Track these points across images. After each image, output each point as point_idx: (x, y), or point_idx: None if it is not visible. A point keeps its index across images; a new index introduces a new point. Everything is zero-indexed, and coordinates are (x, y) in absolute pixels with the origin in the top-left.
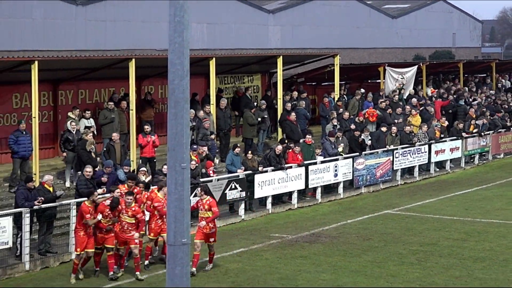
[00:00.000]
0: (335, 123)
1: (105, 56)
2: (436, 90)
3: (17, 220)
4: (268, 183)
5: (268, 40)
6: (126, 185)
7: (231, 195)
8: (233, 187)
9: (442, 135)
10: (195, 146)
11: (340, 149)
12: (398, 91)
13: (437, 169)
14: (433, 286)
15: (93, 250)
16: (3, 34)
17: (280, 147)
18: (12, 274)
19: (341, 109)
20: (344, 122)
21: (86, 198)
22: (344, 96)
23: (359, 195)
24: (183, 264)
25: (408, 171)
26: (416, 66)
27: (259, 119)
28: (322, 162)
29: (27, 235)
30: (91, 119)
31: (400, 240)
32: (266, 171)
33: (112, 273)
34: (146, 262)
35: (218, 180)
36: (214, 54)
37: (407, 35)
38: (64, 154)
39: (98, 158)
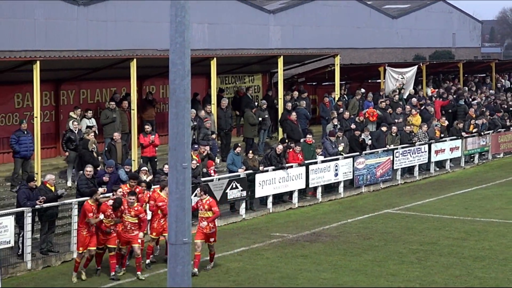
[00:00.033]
0: (336, 123)
1: (107, 56)
2: (436, 90)
3: (19, 219)
4: (269, 183)
5: (269, 40)
6: (128, 184)
7: (232, 194)
8: (234, 186)
9: (442, 135)
10: (196, 146)
11: (340, 148)
12: (398, 91)
13: (437, 169)
14: (433, 285)
15: (95, 248)
16: (5, 34)
17: (280, 146)
18: (14, 273)
19: (341, 109)
20: (345, 122)
21: (88, 197)
22: (345, 96)
23: (359, 195)
24: (184, 263)
25: (408, 170)
26: (416, 66)
27: (260, 118)
28: (323, 161)
29: (29, 234)
30: (93, 119)
31: (400, 239)
32: (267, 171)
33: (113, 273)
34: (148, 261)
35: (219, 179)
36: (215, 54)
37: (407, 35)
38: (67, 153)
39: (100, 158)
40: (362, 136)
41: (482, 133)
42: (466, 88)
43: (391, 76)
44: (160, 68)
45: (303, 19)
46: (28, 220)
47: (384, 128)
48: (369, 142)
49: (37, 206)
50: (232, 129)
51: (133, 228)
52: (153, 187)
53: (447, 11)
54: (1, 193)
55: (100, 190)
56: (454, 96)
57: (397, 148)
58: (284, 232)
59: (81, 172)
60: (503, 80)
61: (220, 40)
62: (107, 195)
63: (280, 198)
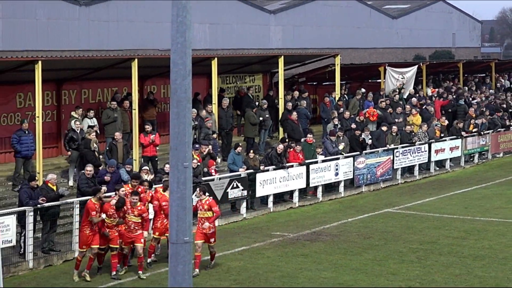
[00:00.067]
0: (336, 123)
1: (108, 56)
2: (436, 90)
3: (21, 219)
4: (270, 182)
5: (270, 40)
6: (130, 184)
7: (233, 193)
8: (234, 185)
9: (442, 135)
10: (197, 145)
11: (340, 147)
12: (398, 90)
13: (437, 168)
14: (433, 284)
15: (98, 245)
16: (7, 34)
17: (281, 146)
18: (16, 272)
19: (341, 109)
20: (345, 122)
21: (91, 196)
22: (345, 95)
23: (359, 194)
24: (185, 262)
25: (408, 170)
26: (416, 66)
27: (261, 118)
28: (323, 161)
29: (30, 234)
30: (94, 119)
31: (400, 239)
32: (268, 170)
33: (114, 272)
34: (149, 260)
35: (220, 179)
36: (216, 54)
37: (407, 35)
38: (69, 153)
39: (101, 157)
40: (363, 136)
41: (482, 133)
42: (466, 88)
43: (391, 76)
44: (161, 68)
45: (304, 19)
46: (29, 219)
47: (384, 128)
48: (369, 141)
49: (38, 205)
50: (233, 128)
51: (136, 227)
52: (155, 186)
53: (447, 11)
54: (3, 192)
55: (102, 189)
56: (454, 96)
57: (397, 148)
58: (285, 231)
59: (82, 171)
60: (502, 80)
61: (221, 40)
62: (108, 194)
63: (281, 198)
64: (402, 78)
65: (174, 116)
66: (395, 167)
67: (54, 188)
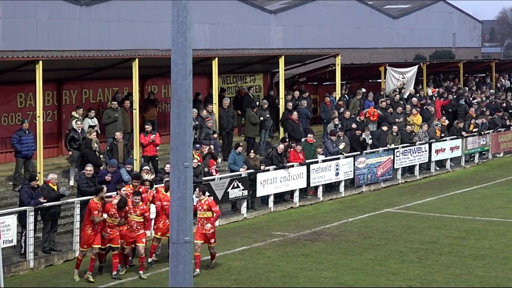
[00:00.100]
0: (337, 122)
1: (109, 56)
2: (437, 90)
3: (22, 219)
4: (270, 182)
5: (270, 40)
6: (131, 185)
7: (234, 193)
8: (235, 185)
9: (442, 134)
10: (197, 145)
11: (341, 146)
12: (398, 90)
13: (438, 168)
14: (433, 284)
15: (99, 245)
16: (8, 34)
17: (282, 146)
18: (17, 272)
19: (342, 109)
20: (345, 121)
21: (94, 195)
22: (345, 95)
23: (360, 194)
24: (186, 262)
25: (408, 169)
26: (417, 66)
27: (261, 118)
28: (324, 161)
29: (31, 233)
30: (95, 119)
31: (400, 238)
32: (268, 170)
33: (115, 272)
34: (150, 260)
35: (220, 178)
36: (217, 54)
37: (407, 35)
38: (70, 153)
39: (102, 157)
40: (363, 136)
41: (482, 133)
42: (467, 88)
43: (391, 76)
44: (162, 68)
45: (304, 19)
46: (30, 219)
47: (384, 128)
48: (370, 141)
49: (40, 205)
50: (233, 128)
51: (138, 227)
52: (156, 186)
53: (447, 11)
54: (3, 192)
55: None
56: (455, 96)
57: (397, 148)
58: (285, 231)
59: (82, 171)
60: (503, 80)
61: (222, 40)
62: (109, 194)
63: (281, 197)
64: (402, 78)
65: (174, 116)
66: (395, 167)
67: (55, 188)
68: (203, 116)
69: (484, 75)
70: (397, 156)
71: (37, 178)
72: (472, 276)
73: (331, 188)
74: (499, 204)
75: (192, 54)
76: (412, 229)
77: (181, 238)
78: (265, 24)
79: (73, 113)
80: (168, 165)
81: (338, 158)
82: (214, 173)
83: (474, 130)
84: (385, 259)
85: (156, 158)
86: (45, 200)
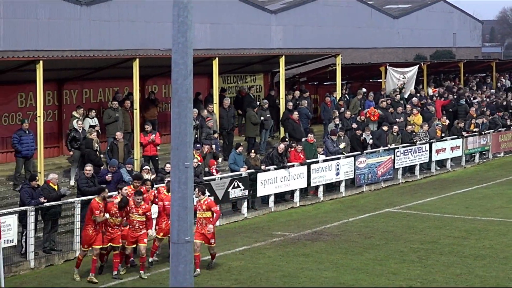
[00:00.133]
0: (337, 122)
1: (109, 56)
2: (437, 90)
3: (22, 218)
4: (271, 182)
5: (271, 40)
6: (132, 186)
7: (234, 193)
8: (236, 185)
9: (443, 134)
10: (198, 145)
11: (341, 146)
12: (399, 90)
13: (438, 168)
14: (434, 284)
15: (100, 246)
16: (8, 34)
17: (282, 146)
18: (17, 272)
19: (342, 109)
20: (346, 121)
21: (96, 195)
22: (346, 95)
23: (360, 194)
24: (187, 262)
25: (409, 169)
26: (417, 66)
27: (262, 118)
28: (324, 161)
29: (32, 233)
30: (95, 118)
31: (401, 238)
32: (269, 170)
33: (116, 272)
34: (150, 259)
35: (221, 178)
36: (217, 54)
37: (408, 35)
38: (71, 152)
39: (102, 156)
40: (363, 136)
41: (483, 132)
42: (467, 88)
43: (392, 76)
44: (163, 68)
45: (305, 19)
46: (31, 219)
47: (385, 128)
48: (370, 141)
49: (40, 205)
50: (234, 128)
51: (141, 226)
52: (157, 186)
53: (447, 11)
54: (4, 192)
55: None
56: (455, 97)
57: (398, 147)
58: (286, 231)
59: (82, 171)
60: (503, 80)
61: (222, 40)
62: (110, 194)
63: (282, 197)
64: (403, 78)
65: (175, 116)
66: (396, 167)
67: (56, 187)
68: (204, 116)
69: (484, 75)
70: (397, 156)
71: (37, 178)
72: (472, 276)
73: (331, 188)
74: (499, 204)
75: (192, 54)
76: (412, 229)
77: (182, 238)
78: (266, 24)
79: (74, 113)
80: (168, 165)
81: (339, 158)
82: (214, 173)
83: (475, 130)
84: (386, 259)
85: (157, 158)
86: (46, 200)
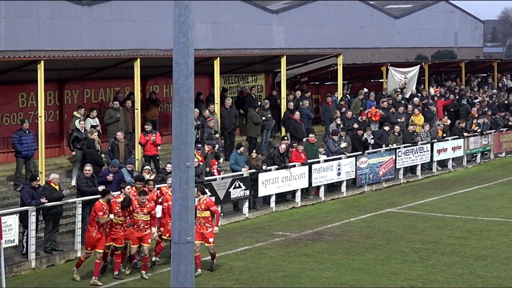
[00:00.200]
0: (339, 122)
1: (111, 56)
2: (439, 89)
3: (23, 218)
4: (272, 182)
5: (272, 40)
6: (134, 187)
7: (235, 193)
8: (237, 185)
9: (444, 134)
10: (199, 145)
11: (342, 145)
12: (400, 90)
13: (439, 168)
14: (435, 284)
15: (103, 250)
16: (10, 34)
17: (283, 146)
18: (18, 272)
19: (344, 109)
20: (347, 121)
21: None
22: (347, 95)
23: (362, 194)
24: (188, 262)
25: (410, 169)
26: (418, 66)
27: (263, 118)
28: (325, 161)
29: (33, 233)
30: (96, 118)
31: (402, 238)
32: (270, 170)
33: (117, 272)
34: (154, 258)
35: (222, 178)
36: (219, 54)
37: (409, 35)
38: (73, 153)
39: (103, 156)
40: (365, 136)
41: (484, 133)
42: (469, 88)
43: (393, 76)
44: (164, 68)
45: (306, 19)
46: (32, 219)
47: (386, 128)
48: (372, 141)
49: (41, 205)
50: (235, 128)
51: (146, 226)
52: (159, 186)
53: (449, 11)
54: (5, 192)
55: (100, 188)
56: (457, 97)
57: (399, 148)
58: (287, 231)
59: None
60: (505, 80)
61: (223, 40)
62: (114, 193)
63: (283, 197)
64: (404, 78)
65: (176, 115)
66: (397, 167)
67: (57, 187)
68: (205, 116)
69: (486, 75)
70: (399, 156)
71: (38, 178)
72: (474, 276)
73: (333, 188)
74: (501, 204)
75: (194, 54)
76: (414, 229)
77: (183, 238)
78: (267, 24)
79: (75, 113)
80: (169, 165)
81: (340, 158)
82: (215, 173)
83: (477, 130)
84: (387, 259)
85: (157, 157)
86: (47, 201)
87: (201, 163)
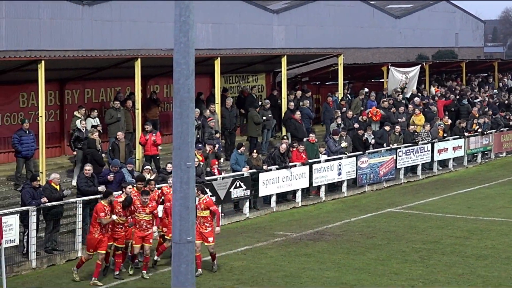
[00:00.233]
0: (339, 122)
1: (111, 56)
2: (439, 89)
3: (24, 218)
4: (273, 182)
5: (273, 40)
6: (135, 187)
7: (236, 193)
8: (237, 185)
9: (445, 134)
10: (200, 145)
11: (343, 144)
12: (401, 90)
13: (440, 168)
14: (436, 284)
15: (105, 251)
16: (10, 34)
17: (284, 145)
18: (19, 271)
19: (344, 108)
20: (348, 121)
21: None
22: (348, 95)
23: (362, 194)
24: (188, 261)
25: (411, 169)
26: (419, 66)
27: (264, 118)
28: (326, 160)
29: (33, 233)
30: (97, 118)
31: (403, 238)
32: (271, 170)
33: (117, 272)
34: (156, 258)
35: (223, 178)
36: (219, 53)
37: (410, 35)
38: (74, 152)
39: (104, 156)
40: (365, 136)
41: (485, 132)
42: (470, 88)
43: (394, 76)
44: (164, 68)
45: (307, 19)
46: (33, 219)
47: (387, 128)
48: (372, 141)
49: (41, 205)
50: (236, 128)
51: (148, 226)
52: (160, 186)
53: (450, 11)
54: (6, 192)
55: (100, 188)
56: (457, 97)
57: (400, 147)
58: (288, 231)
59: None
60: (505, 79)
61: (224, 40)
62: (115, 193)
63: (284, 197)
64: (405, 78)
65: (177, 115)
66: (398, 167)
67: (58, 187)
68: (206, 116)
69: (486, 74)
70: (399, 156)
71: (38, 178)
72: (474, 276)
73: (333, 188)
74: (501, 204)
75: (194, 54)
76: (414, 229)
77: (184, 238)
78: (268, 24)
79: (75, 113)
80: (169, 165)
81: (341, 158)
82: (216, 173)
83: (478, 130)
84: (388, 259)
85: (158, 157)
86: (47, 200)
87: (202, 163)
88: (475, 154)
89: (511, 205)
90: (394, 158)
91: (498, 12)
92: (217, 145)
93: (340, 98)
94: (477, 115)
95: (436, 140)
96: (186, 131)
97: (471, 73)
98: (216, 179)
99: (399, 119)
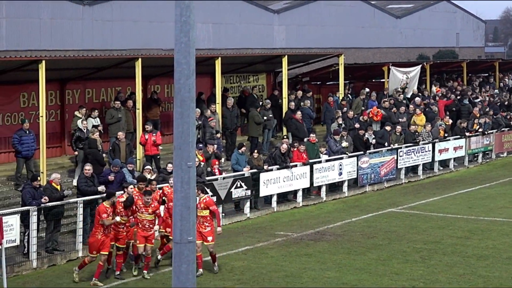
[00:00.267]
0: (340, 122)
1: (112, 56)
2: (440, 89)
3: (24, 218)
4: (273, 182)
5: (273, 40)
6: (136, 187)
7: (237, 193)
8: (238, 185)
9: (446, 134)
10: (200, 145)
11: (344, 144)
12: (401, 90)
13: (441, 168)
14: (436, 284)
15: (107, 253)
16: (11, 34)
17: (285, 145)
18: (20, 271)
19: (345, 108)
20: (349, 121)
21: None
22: (349, 95)
23: (363, 194)
24: (189, 262)
25: (412, 169)
26: (420, 66)
27: (265, 118)
28: (327, 160)
29: (34, 233)
30: (98, 118)
31: (404, 238)
32: (271, 170)
33: (118, 272)
34: (159, 257)
35: (223, 178)
36: (220, 53)
37: (411, 34)
38: (76, 152)
39: (105, 156)
40: (366, 136)
41: (486, 132)
42: (470, 88)
43: (395, 76)
44: (165, 68)
45: (308, 19)
46: (33, 219)
47: (388, 128)
48: (373, 141)
49: (42, 205)
50: (237, 128)
51: (151, 226)
52: (161, 186)
53: (450, 11)
54: (6, 192)
55: (100, 188)
56: (458, 98)
57: (401, 147)
58: (289, 231)
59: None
60: (506, 79)
61: (225, 40)
62: (117, 193)
63: (285, 197)
64: (406, 78)
65: (178, 115)
66: (399, 167)
67: (58, 187)
68: (207, 115)
69: (487, 74)
70: (400, 156)
71: (39, 178)
72: (475, 276)
73: (334, 188)
74: (502, 204)
75: (195, 54)
76: (415, 229)
77: (184, 238)
78: (269, 23)
79: (76, 113)
80: (170, 165)
81: (342, 158)
82: (216, 173)
83: (479, 130)
84: (388, 259)
85: (158, 157)
86: (48, 200)
87: (202, 163)
88: (476, 154)
89: None
90: (395, 158)
91: (499, 12)
92: (215, 146)
93: (341, 98)
94: (478, 115)
95: (437, 140)
96: (187, 131)
97: (472, 73)
98: (216, 179)
99: (400, 119)
